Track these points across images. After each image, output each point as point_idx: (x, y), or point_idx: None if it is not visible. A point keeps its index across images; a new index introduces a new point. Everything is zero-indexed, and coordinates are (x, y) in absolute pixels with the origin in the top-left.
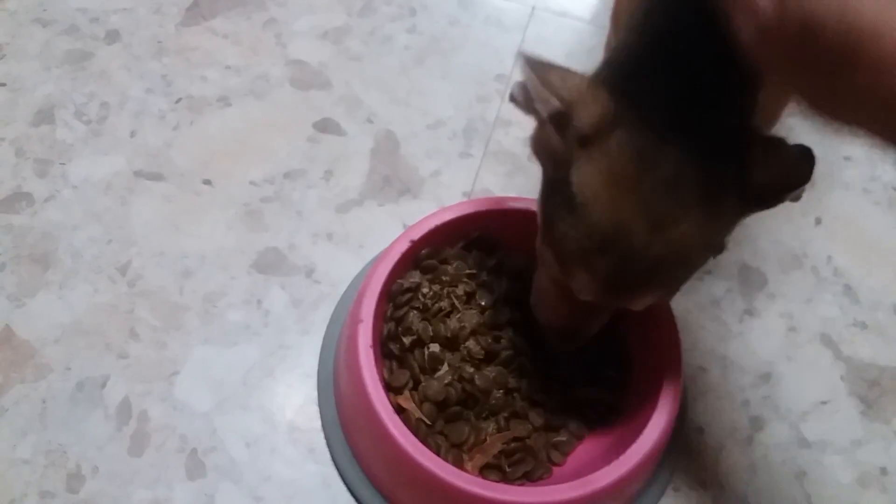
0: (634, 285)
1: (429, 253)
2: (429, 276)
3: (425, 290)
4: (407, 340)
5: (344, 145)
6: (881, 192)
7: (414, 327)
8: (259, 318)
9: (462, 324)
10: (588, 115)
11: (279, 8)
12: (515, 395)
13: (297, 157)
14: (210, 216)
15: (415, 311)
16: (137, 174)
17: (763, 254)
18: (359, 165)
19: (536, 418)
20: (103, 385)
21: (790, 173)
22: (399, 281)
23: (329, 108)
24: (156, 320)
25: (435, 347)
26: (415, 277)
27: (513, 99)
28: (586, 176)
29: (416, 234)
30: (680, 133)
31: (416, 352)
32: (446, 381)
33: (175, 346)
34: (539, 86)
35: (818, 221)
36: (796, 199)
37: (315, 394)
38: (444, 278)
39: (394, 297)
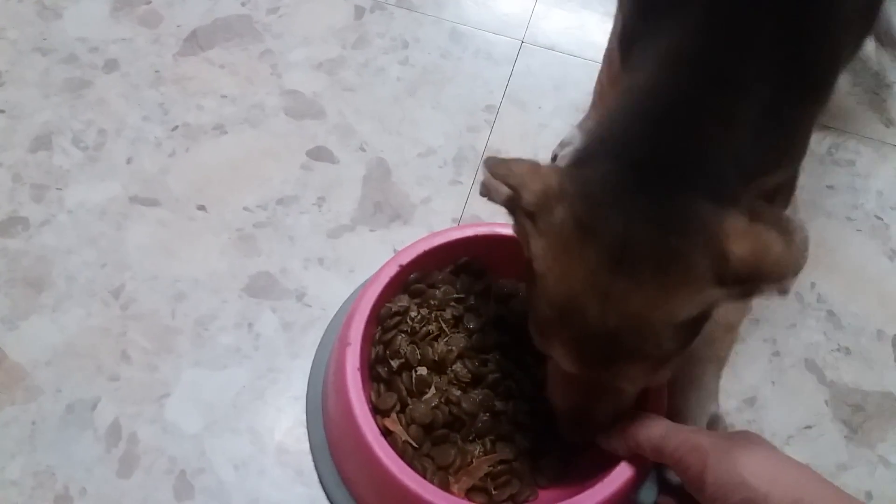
0: (605, 357)
1: (417, 277)
2: (417, 300)
3: (413, 314)
4: (395, 363)
5: (337, 173)
6: (864, 219)
7: (402, 350)
8: (250, 341)
9: (449, 347)
10: (530, 192)
11: (275, 39)
12: (502, 417)
13: (291, 184)
14: (203, 241)
15: (403, 335)
16: (133, 200)
17: None
18: (351, 192)
19: (523, 441)
20: (94, 407)
21: (771, 257)
22: (388, 304)
23: (322, 136)
24: (147, 343)
25: (422, 370)
26: (403, 301)
27: (483, 194)
28: (537, 249)
29: (405, 259)
30: (633, 204)
31: (404, 375)
32: (433, 404)
33: (166, 368)
34: (491, 179)
35: None
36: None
37: (304, 417)
38: (432, 302)
39: (382, 321)
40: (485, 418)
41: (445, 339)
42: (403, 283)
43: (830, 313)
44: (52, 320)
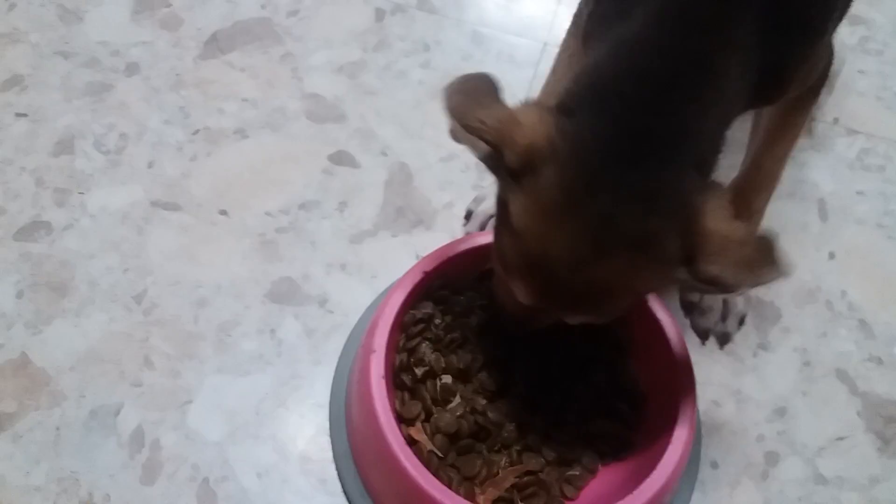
0: (563, 304)
1: (442, 284)
2: (441, 307)
3: (438, 321)
4: (419, 371)
5: (358, 177)
6: (895, 226)
7: (426, 358)
8: (272, 347)
9: (475, 355)
10: (514, 152)
11: (296, 43)
12: (528, 428)
13: (312, 189)
14: (225, 246)
15: (427, 342)
16: (154, 204)
17: (777, 288)
18: (373, 197)
19: (549, 452)
20: (117, 413)
21: (740, 252)
22: (412, 311)
23: (344, 140)
24: (170, 349)
25: (447, 379)
26: (427, 308)
27: (455, 139)
28: (519, 208)
29: (430, 266)
30: (625, 178)
31: (429, 383)
32: (458, 413)
33: (189, 374)
34: (463, 133)
35: (832, 256)
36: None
37: (327, 424)
38: (456, 309)
39: (406, 328)
40: (511, 428)
41: (470, 347)
42: (427, 290)
43: (862, 322)
44: (74, 325)
